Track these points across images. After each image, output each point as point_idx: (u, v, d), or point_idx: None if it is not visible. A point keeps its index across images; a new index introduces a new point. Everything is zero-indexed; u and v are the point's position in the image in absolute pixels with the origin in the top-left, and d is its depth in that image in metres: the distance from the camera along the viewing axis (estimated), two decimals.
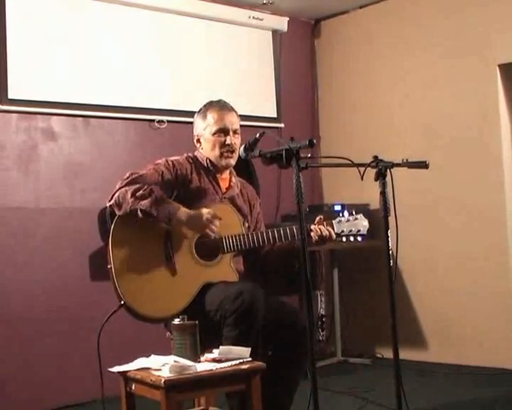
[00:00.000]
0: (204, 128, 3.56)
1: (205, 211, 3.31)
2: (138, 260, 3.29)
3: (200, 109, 3.63)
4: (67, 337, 4.83)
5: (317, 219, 3.45)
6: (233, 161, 3.54)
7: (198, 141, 3.61)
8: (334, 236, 3.43)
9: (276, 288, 4.29)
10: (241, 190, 3.67)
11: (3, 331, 4.61)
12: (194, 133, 3.63)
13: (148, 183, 3.33)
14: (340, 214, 3.51)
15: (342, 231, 3.48)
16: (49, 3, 4.94)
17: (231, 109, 3.60)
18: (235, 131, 3.55)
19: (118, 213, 3.31)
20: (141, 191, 3.27)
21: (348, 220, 3.48)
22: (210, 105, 3.60)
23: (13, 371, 4.61)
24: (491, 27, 5.32)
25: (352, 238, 3.53)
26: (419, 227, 5.65)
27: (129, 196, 3.27)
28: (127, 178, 3.36)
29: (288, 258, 3.60)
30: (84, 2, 5.11)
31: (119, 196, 3.29)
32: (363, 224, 3.49)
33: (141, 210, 3.24)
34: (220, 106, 3.58)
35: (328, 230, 3.41)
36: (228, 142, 3.50)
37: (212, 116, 3.55)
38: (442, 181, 5.52)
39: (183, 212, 3.29)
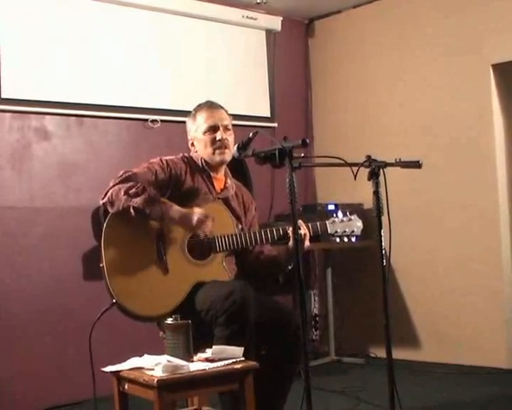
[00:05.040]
0: (195, 130, 3.58)
1: (197, 210, 3.32)
2: (130, 258, 3.29)
3: (190, 113, 3.65)
4: (61, 337, 4.83)
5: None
6: (227, 157, 3.54)
7: (192, 144, 3.63)
8: (308, 235, 3.41)
9: (269, 287, 4.29)
10: (236, 192, 3.67)
11: None
12: (188, 138, 3.65)
13: (141, 181, 3.34)
14: (334, 215, 3.50)
15: (336, 232, 3.47)
16: (43, 3, 4.93)
17: (220, 107, 3.62)
18: (225, 127, 3.55)
19: (111, 210, 3.31)
20: (134, 189, 3.28)
21: (342, 221, 3.48)
22: (198, 107, 3.64)
23: (6, 371, 4.60)
24: (484, 27, 5.33)
25: (345, 239, 3.53)
26: (414, 227, 5.66)
27: (122, 193, 3.27)
28: (121, 176, 3.36)
29: (273, 269, 3.62)
30: (80, 1, 5.11)
31: (112, 194, 3.29)
32: (357, 224, 3.49)
33: (133, 207, 3.24)
34: (208, 105, 3.61)
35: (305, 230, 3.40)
36: (218, 137, 3.51)
37: (201, 116, 3.57)
38: (437, 181, 5.53)
39: (176, 210, 3.30)
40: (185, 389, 2.88)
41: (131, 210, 3.25)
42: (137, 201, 3.25)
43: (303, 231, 3.37)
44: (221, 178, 3.62)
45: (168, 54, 5.55)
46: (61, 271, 4.89)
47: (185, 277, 3.32)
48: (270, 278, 3.90)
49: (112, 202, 3.30)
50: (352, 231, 3.49)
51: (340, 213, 3.51)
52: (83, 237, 4.94)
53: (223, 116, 3.58)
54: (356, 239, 3.56)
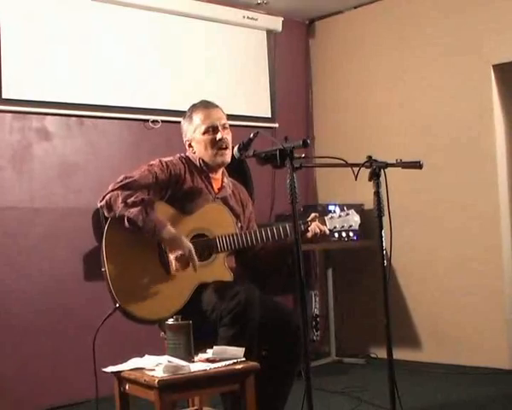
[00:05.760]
0: (193, 131, 3.54)
1: (188, 247, 3.27)
2: (132, 262, 3.28)
3: (185, 114, 3.61)
4: (62, 337, 4.82)
5: (312, 215, 3.44)
6: (228, 158, 3.52)
7: (190, 145, 3.58)
8: (327, 232, 3.43)
9: (269, 288, 4.29)
10: (233, 190, 3.66)
11: None
12: (185, 139, 3.60)
13: (141, 187, 3.32)
14: (332, 211, 3.51)
15: (334, 228, 3.47)
16: (43, 3, 4.93)
17: (216, 106, 3.58)
18: (224, 126, 3.53)
19: (107, 215, 3.30)
20: (132, 198, 3.25)
21: (340, 216, 3.48)
22: (194, 107, 3.59)
23: (7, 371, 4.60)
24: (484, 27, 5.33)
25: (344, 234, 3.53)
26: (414, 227, 5.66)
27: (120, 200, 3.25)
28: (120, 181, 3.33)
29: (281, 254, 3.59)
30: (80, 1, 5.11)
31: (110, 199, 3.27)
32: (354, 219, 3.48)
33: (128, 218, 3.22)
34: (204, 105, 3.57)
35: (322, 227, 3.41)
36: (219, 137, 3.49)
37: (198, 117, 3.53)
38: (437, 181, 5.53)
39: (168, 231, 3.26)
40: (186, 390, 2.88)
41: (126, 220, 3.24)
42: (133, 211, 3.22)
43: (323, 228, 3.39)
44: (218, 178, 3.61)
45: (168, 54, 5.55)
46: (61, 271, 4.89)
47: (188, 278, 3.31)
48: (273, 269, 3.87)
49: (109, 207, 3.28)
50: (350, 226, 3.48)
51: (337, 209, 3.52)
52: (83, 237, 4.94)
53: (220, 115, 3.55)
54: (355, 235, 3.57)
